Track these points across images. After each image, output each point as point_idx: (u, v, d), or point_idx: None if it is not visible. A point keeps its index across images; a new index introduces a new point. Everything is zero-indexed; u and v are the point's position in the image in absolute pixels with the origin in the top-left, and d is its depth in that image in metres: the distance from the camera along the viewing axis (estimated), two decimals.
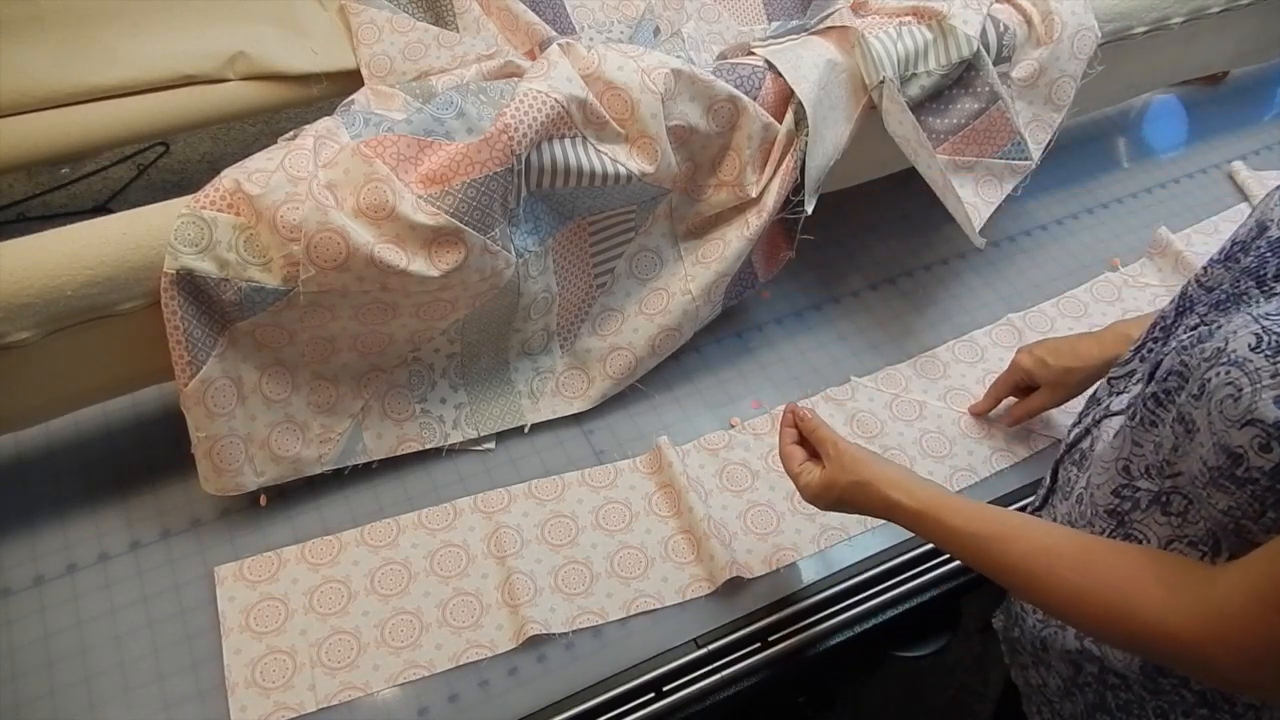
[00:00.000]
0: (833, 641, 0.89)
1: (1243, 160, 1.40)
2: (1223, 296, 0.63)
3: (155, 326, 0.81)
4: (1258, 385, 0.52)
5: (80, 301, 0.77)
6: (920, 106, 1.03)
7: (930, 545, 0.93)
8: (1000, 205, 1.09)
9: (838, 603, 0.90)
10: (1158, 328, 0.70)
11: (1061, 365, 0.92)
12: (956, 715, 1.52)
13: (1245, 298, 0.60)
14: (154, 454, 0.95)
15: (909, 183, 1.13)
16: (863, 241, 1.25)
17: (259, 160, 0.82)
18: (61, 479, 0.93)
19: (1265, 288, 0.60)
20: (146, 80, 1.00)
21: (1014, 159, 1.09)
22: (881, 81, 0.99)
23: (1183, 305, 0.68)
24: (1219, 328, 0.57)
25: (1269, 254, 0.60)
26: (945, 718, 1.53)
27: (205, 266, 0.79)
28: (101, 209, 1.24)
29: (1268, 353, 0.53)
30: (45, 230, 0.78)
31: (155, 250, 0.78)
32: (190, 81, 1.02)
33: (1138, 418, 0.64)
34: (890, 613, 0.91)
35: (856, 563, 0.92)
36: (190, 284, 0.79)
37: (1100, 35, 1.10)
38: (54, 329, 0.78)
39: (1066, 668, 0.74)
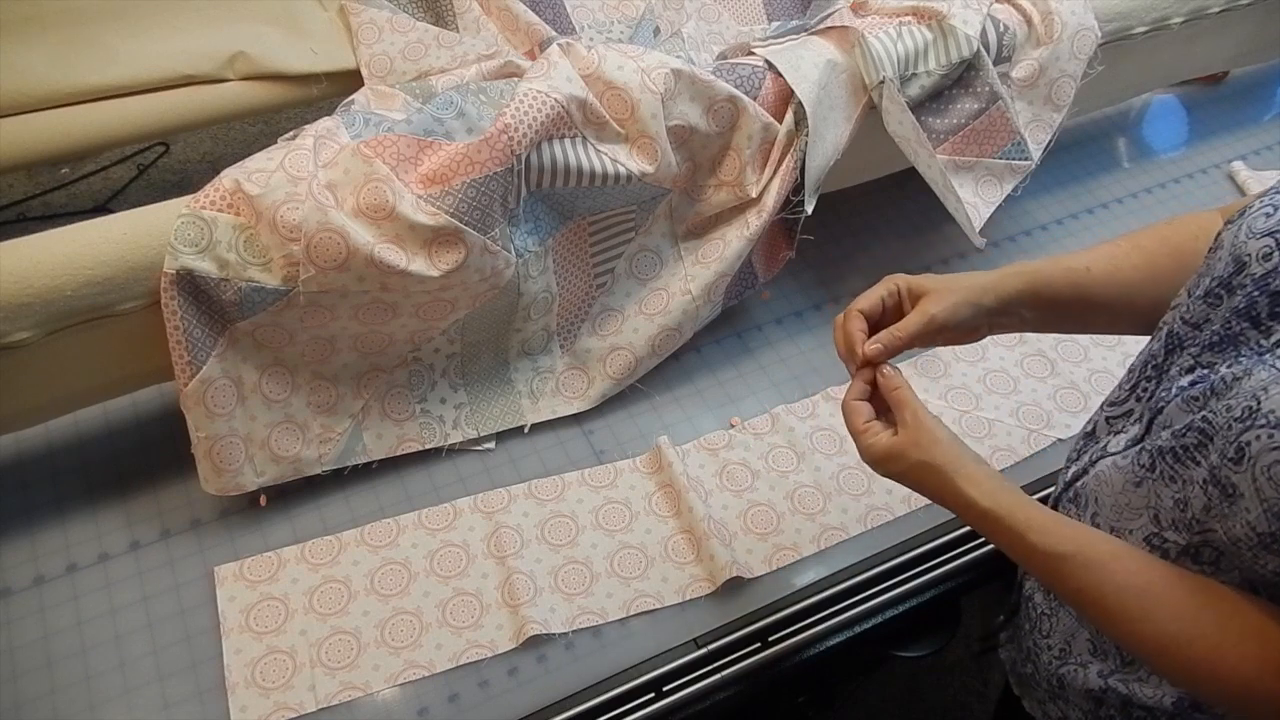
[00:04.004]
0: (833, 641, 0.89)
1: (1243, 160, 1.40)
2: (1215, 338, 0.60)
3: (155, 326, 0.81)
4: None
5: (80, 301, 0.77)
6: (920, 106, 1.03)
7: (930, 546, 0.93)
8: (1000, 205, 1.09)
9: (838, 603, 0.90)
10: (1149, 366, 0.67)
11: (953, 277, 0.74)
12: (956, 715, 1.53)
13: (1242, 339, 0.58)
14: (154, 454, 0.95)
15: (909, 183, 1.13)
16: (862, 241, 1.25)
17: (259, 160, 0.82)
18: (61, 479, 0.93)
19: (1262, 328, 0.58)
20: (146, 80, 1.00)
21: (1014, 159, 1.09)
22: (881, 81, 0.99)
23: (1170, 344, 0.65)
24: (1235, 379, 0.55)
25: (1256, 293, 0.58)
26: (945, 718, 1.53)
27: (205, 266, 0.79)
28: (101, 209, 1.24)
29: None
30: (45, 230, 0.78)
31: (155, 250, 0.78)
32: (190, 81, 1.02)
33: (1157, 470, 0.61)
34: (890, 613, 0.91)
35: (856, 563, 0.92)
36: (190, 284, 0.79)
37: (1100, 35, 1.10)
38: (54, 329, 0.78)
39: (1087, 703, 0.72)
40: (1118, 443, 0.67)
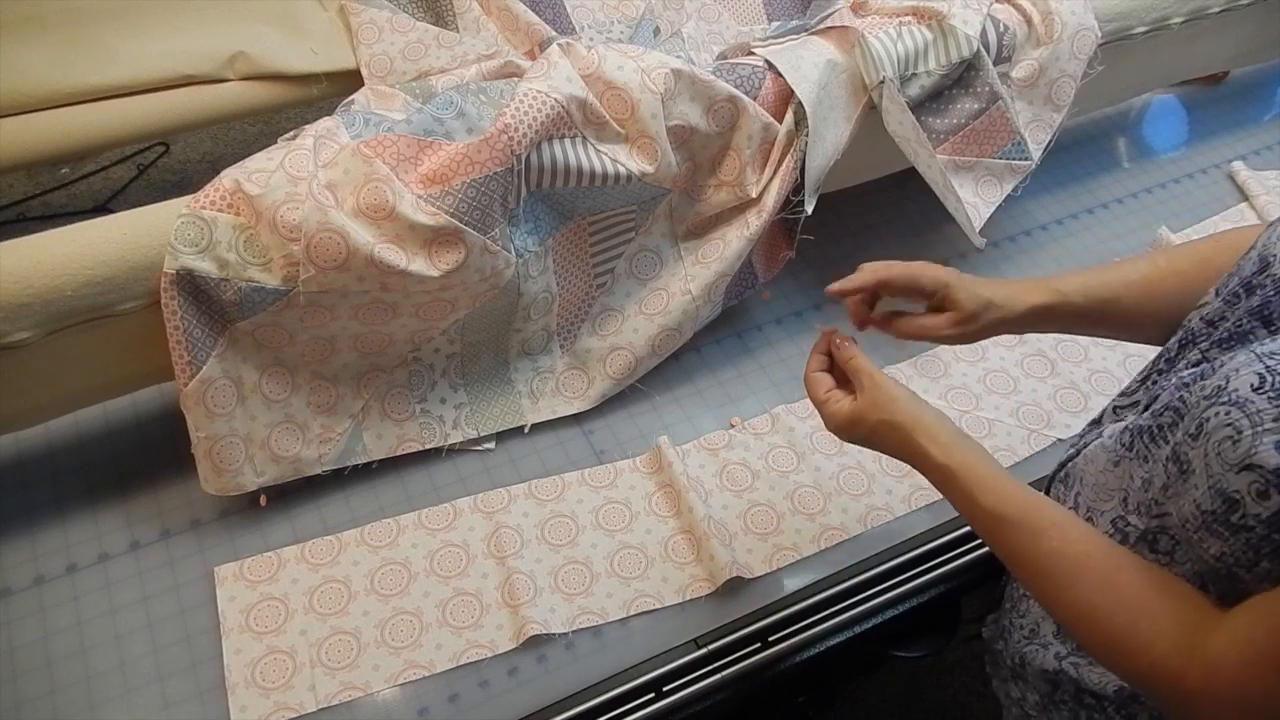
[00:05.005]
0: (833, 641, 0.89)
1: (1243, 160, 1.40)
2: (1225, 334, 0.61)
3: (155, 326, 0.81)
4: (1259, 428, 0.50)
5: (80, 301, 0.77)
6: (920, 106, 1.03)
7: (930, 546, 0.93)
8: (1000, 205, 1.09)
9: (838, 603, 0.90)
10: (1162, 359, 0.68)
11: (987, 303, 0.75)
12: (956, 715, 1.52)
13: (1251, 337, 0.59)
14: (154, 454, 0.95)
15: (909, 183, 1.13)
16: (863, 241, 1.25)
17: (259, 160, 0.82)
18: (61, 479, 0.93)
19: (1272, 328, 0.58)
20: (146, 80, 1.00)
21: (1014, 159, 1.09)
22: (881, 81, 0.99)
23: (1185, 339, 0.66)
24: (1222, 365, 0.55)
25: (1273, 293, 0.58)
26: (945, 718, 1.53)
27: (205, 266, 0.79)
28: (101, 209, 1.24)
29: (1270, 394, 0.50)
30: (45, 230, 0.78)
31: (155, 250, 0.78)
32: (190, 81, 1.02)
33: (1134, 449, 0.62)
34: (890, 613, 0.91)
35: (856, 563, 0.92)
36: (190, 284, 0.79)
37: (1100, 35, 1.10)
38: (54, 329, 0.78)
39: (1044, 684, 0.73)
40: (1114, 429, 0.68)
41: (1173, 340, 0.67)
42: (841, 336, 0.74)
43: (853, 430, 0.71)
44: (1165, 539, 0.59)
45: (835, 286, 0.77)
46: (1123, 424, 0.67)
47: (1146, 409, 0.63)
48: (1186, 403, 0.56)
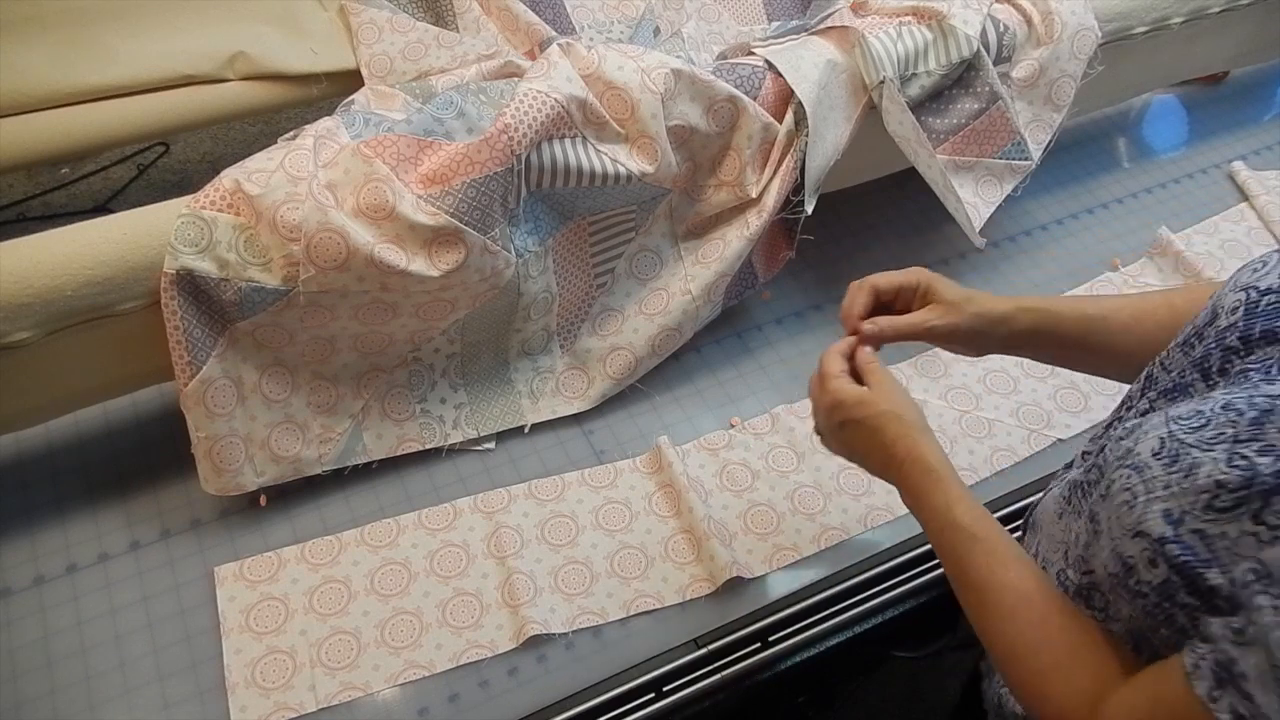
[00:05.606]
0: (833, 641, 0.89)
1: (1243, 160, 1.40)
2: (1170, 385, 0.60)
3: (155, 326, 0.81)
4: (1150, 495, 0.50)
5: (80, 301, 0.77)
6: (920, 106, 1.03)
7: (929, 546, 0.93)
8: (1000, 205, 1.09)
9: (838, 603, 0.90)
10: (1125, 407, 0.67)
11: (969, 296, 0.76)
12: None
13: (1191, 389, 0.58)
14: (154, 454, 0.95)
15: (909, 183, 1.13)
16: (862, 241, 1.25)
17: (259, 160, 0.82)
18: (61, 479, 0.93)
19: (1210, 381, 0.57)
20: (146, 80, 1.00)
21: (1014, 159, 1.09)
22: (881, 81, 0.99)
23: (1146, 387, 0.65)
24: (1154, 421, 0.55)
25: (1214, 345, 0.58)
26: (945, 718, 1.53)
27: (205, 266, 0.79)
28: (101, 209, 1.24)
29: (1165, 460, 0.50)
30: (45, 230, 0.78)
31: (155, 250, 0.78)
32: (190, 81, 1.02)
33: (1072, 504, 0.63)
34: (890, 613, 0.91)
35: (856, 563, 0.92)
36: (190, 284, 0.79)
37: (1100, 35, 1.10)
38: (54, 329, 0.78)
39: None
40: (1076, 475, 0.67)
41: (1135, 385, 0.67)
42: (868, 351, 0.75)
43: (851, 410, 0.70)
44: (1098, 595, 0.59)
45: (859, 320, 0.76)
46: (1083, 469, 0.67)
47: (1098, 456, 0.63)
48: (1107, 460, 0.56)
